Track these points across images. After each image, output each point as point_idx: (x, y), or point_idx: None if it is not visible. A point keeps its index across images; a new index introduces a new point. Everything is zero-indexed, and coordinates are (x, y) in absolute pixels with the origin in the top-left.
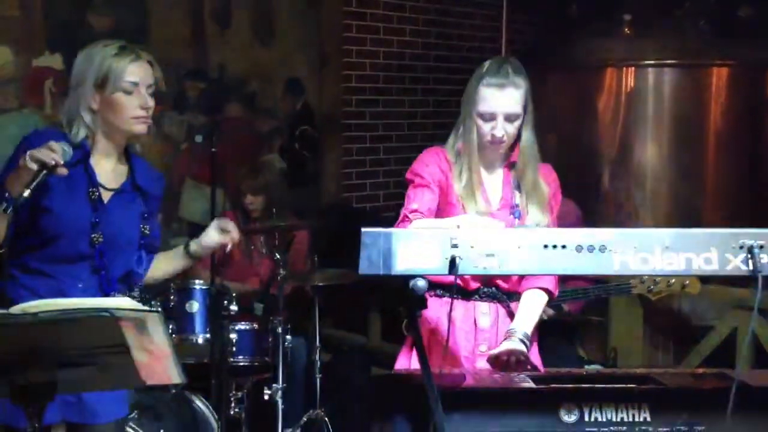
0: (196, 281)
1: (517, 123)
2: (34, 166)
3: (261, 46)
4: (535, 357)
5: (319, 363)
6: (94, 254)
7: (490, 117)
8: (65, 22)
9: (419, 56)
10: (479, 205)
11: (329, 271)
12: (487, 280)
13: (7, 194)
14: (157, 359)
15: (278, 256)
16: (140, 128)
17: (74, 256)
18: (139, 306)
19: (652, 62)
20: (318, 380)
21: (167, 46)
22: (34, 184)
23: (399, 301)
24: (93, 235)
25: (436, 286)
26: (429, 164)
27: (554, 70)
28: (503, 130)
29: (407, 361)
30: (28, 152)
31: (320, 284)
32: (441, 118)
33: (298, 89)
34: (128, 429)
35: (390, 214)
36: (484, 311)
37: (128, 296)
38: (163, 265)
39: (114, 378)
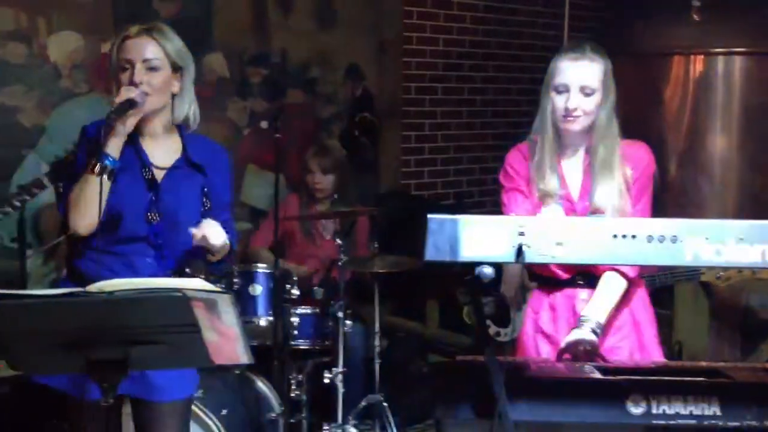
0: (260, 265)
1: (593, 99)
2: (123, 99)
3: (322, 31)
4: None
5: (378, 348)
6: (152, 233)
7: (564, 88)
8: (133, 9)
9: (479, 43)
10: (550, 190)
11: (389, 257)
12: (583, 268)
13: (110, 158)
14: (226, 339)
15: (340, 241)
16: (141, 103)
17: (135, 236)
18: (211, 287)
19: (721, 50)
20: (377, 365)
21: (231, 32)
22: (120, 122)
23: (466, 288)
24: (149, 214)
25: (533, 278)
26: (514, 164)
27: (619, 58)
28: (577, 102)
29: (526, 349)
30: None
31: (380, 270)
32: (500, 105)
33: (358, 75)
34: (193, 408)
35: (448, 202)
36: (583, 297)
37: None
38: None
39: (184, 357)
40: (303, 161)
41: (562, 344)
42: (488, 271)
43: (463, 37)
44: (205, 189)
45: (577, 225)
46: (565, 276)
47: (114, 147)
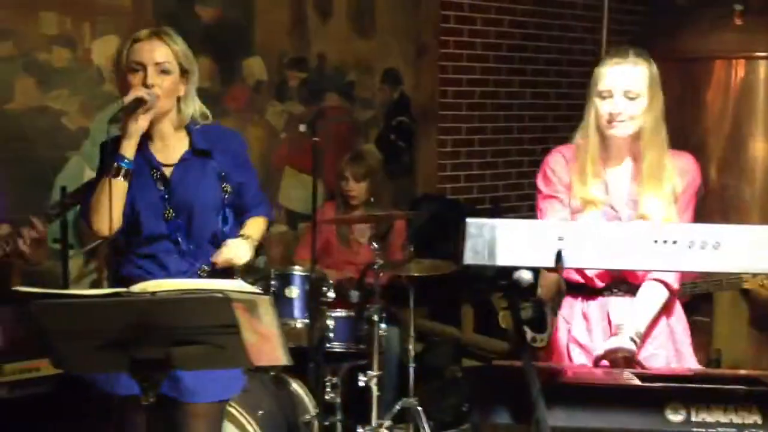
0: (296, 267)
1: (638, 103)
2: (132, 97)
3: (360, 36)
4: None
5: (412, 352)
6: (173, 229)
7: (608, 94)
8: (173, 13)
9: (517, 47)
10: (593, 198)
11: (424, 261)
12: (619, 276)
13: (125, 160)
14: (265, 341)
15: (376, 245)
16: (150, 103)
17: (156, 235)
18: (252, 289)
19: (763, 54)
20: (412, 369)
21: (270, 36)
22: (133, 121)
23: (503, 292)
24: (165, 212)
25: (569, 285)
26: (555, 168)
27: (659, 62)
28: (621, 106)
29: (553, 356)
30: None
31: (415, 274)
32: (538, 110)
33: (395, 80)
34: (229, 408)
35: (484, 207)
36: (618, 306)
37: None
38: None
39: (224, 357)
40: (338, 168)
41: (600, 351)
42: (527, 276)
43: (501, 41)
44: (222, 173)
45: (618, 231)
46: (600, 284)
47: (128, 148)
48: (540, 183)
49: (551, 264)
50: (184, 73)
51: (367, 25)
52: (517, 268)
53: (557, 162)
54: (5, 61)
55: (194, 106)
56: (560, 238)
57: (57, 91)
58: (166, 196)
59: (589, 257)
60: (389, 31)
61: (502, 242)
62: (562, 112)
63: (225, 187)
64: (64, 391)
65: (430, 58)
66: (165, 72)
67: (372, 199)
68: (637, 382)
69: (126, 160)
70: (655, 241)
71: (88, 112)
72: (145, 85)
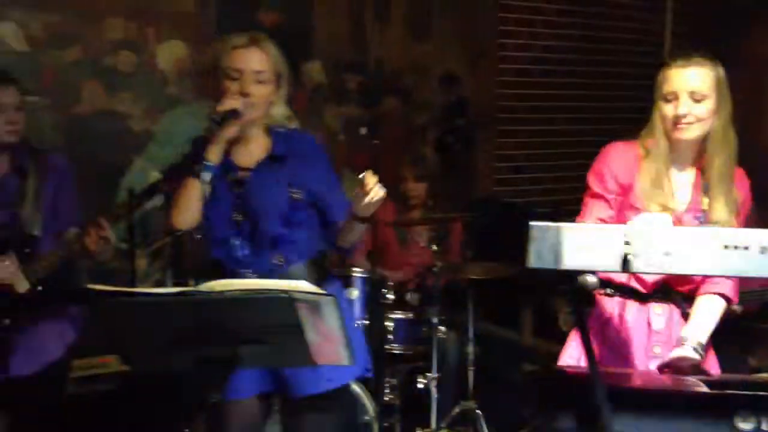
0: (356, 269)
1: (704, 105)
2: (228, 107)
3: (418, 40)
4: (713, 369)
5: (471, 355)
6: (241, 231)
7: (673, 96)
8: (236, 19)
9: (576, 49)
10: (662, 202)
11: (483, 264)
12: (664, 283)
13: (208, 162)
14: (328, 341)
15: (435, 248)
16: (244, 113)
17: (225, 237)
18: (316, 289)
19: None
20: (471, 372)
21: (330, 41)
22: (230, 129)
23: (567, 297)
24: (234, 215)
25: (606, 284)
26: (609, 163)
27: (724, 65)
28: (687, 108)
29: (572, 359)
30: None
31: (474, 277)
32: (597, 113)
33: (452, 83)
34: None
35: (543, 210)
36: (658, 312)
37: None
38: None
39: (287, 356)
40: (397, 169)
41: (665, 359)
42: (592, 279)
43: (560, 43)
44: (295, 180)
45: (687, 235)
46: (642, 289)
47: (214, 153)
48: (591, 179)
49: (617, 268)
50: (278, 79)
51: (425, 29)
52: (582, 272)
53: (616, 159)
54: (73, 65)
55: (282, 110)
56: (627, 243)
57: (122, 95)
58: (238, 200)
59: (656, 262)
60: (447, 34)
61: (568, 246)
62: (622, 114)
63: (295, 192)
64: (132, 388)
65: (489, 61)
66: (261, 81)
67: (430, 203)
68: (705, 389)
69: (210, 164)
70: (726, 246)
71: (152, 115)
72: (242, 92)
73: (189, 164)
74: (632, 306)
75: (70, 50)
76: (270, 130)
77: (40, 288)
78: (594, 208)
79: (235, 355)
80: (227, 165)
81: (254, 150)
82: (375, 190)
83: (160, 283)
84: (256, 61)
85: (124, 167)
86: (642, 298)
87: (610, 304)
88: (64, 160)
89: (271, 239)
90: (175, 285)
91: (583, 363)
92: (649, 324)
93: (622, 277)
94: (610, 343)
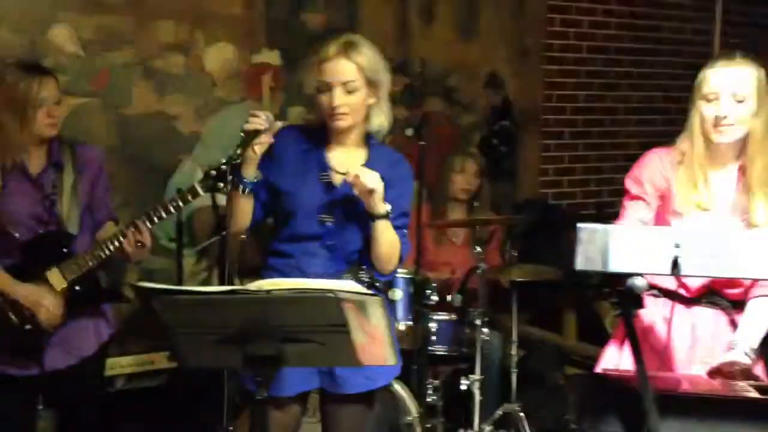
0: (400, 270)
1: (745, 107)
2: (251, 128)
3: (462, 40)
4: (762, 374)
5: (515, 358)
6: (324, 234)
7: (714, 96)
8: (282, 21)
9: (624, 50)
10: (700, 203)
11: (526, 266)
12: (712, 288)
13: (244, 179)
14: (374, 341)
15: (478, 249)
16: (336, 125)
17: (307, 235)
18: (363, 289)
19: None
20: (514, 375)
21: (374, 42)
22: (250, 148)
23: (616, 300)
24: (322, 215)
25: (652, 287)
26: (650, 169)
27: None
28: (728, 110)
29: (613, 361)
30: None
31: (518, 279)
32: (645, 114)
33: (498, 84)
34: None
35: (588, 212)
36: (705, 317)
37: (358, 276)
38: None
39: (333, 355)
40: (447, 163)
41: (714, 364)
42: (641, 283)
43: (608, 43)
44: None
45: (736, 238)
46: (688, 294)
47: (247, 170)
48: (629, 183)
49: (666, 271)
50: (372, 84)
51: (470, 30)
52: (630, 275)
53: (652, 165)
54: (125, 67)
55: (381, 117)
56: (677, 245)
57: (171, 97)
58: (328, 202)
59: (706, 265)
60: (493, 34)
61: (616, 248)
62: (671, 116)
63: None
64: (178, 383)
65: (534, 62)
66: (351, 90)
67: (475, 204)
68: (755, 394)
69: (246, 181)
70: None
71: (201, 117)
72: (330, 105)
73: (225, 177)
74: (678, 309)
75: (123, 52)
76: (368, 141)
77: (77, 288)
78: (633, 210)
79: (281, 353)
80: (322, 165)
81: (351, 156)
82: (348, 173)
83: (206, 283)
84: (343, 72)
85: (173, 168)
86: (687, 303)
87: (655, 308)
88: (98, 151)
89: (351, 251)
90: (221, 284)
91: (621, 367)
92: (693, 328)
93: (667, 282)
94: (652, 346)
